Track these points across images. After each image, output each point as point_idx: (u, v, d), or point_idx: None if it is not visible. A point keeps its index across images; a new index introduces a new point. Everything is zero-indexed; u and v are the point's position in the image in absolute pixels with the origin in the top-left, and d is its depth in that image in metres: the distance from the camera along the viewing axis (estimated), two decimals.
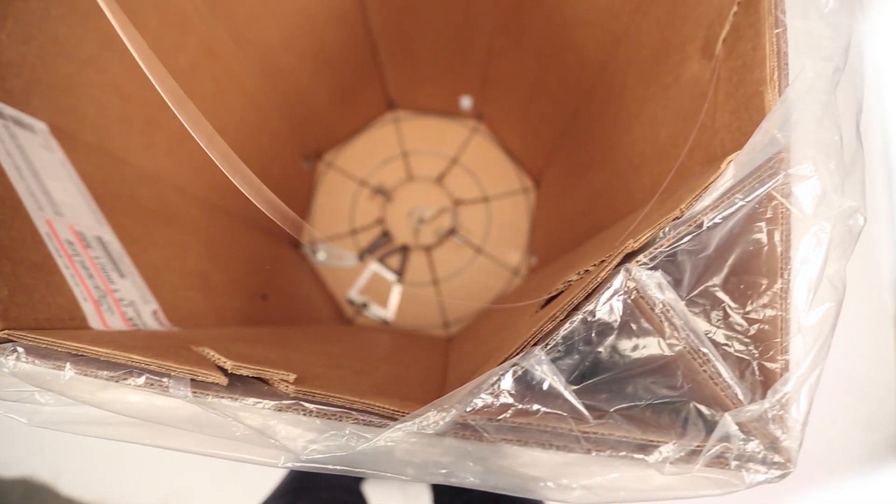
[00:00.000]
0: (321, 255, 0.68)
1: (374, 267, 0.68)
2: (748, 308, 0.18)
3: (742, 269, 0.18)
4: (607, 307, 0.17)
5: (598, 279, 0.17)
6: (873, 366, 0.29)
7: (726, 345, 0.18)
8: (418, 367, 0.27)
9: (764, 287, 0.18)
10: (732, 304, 0.18)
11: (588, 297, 0.17)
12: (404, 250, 0.68)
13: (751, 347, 0.18)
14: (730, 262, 0.18)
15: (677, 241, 0.18)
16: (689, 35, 0.27)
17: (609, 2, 0.37)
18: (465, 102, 0.68)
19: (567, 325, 0.17)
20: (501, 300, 0.64)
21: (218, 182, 0.49)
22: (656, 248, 0.18)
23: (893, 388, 0.29)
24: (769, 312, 0.18)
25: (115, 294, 0.26)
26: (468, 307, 0.67)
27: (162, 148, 0.40)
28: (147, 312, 0.27)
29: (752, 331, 0.18)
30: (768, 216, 0.18)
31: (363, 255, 0.68)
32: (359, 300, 0.66)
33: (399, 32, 0.57)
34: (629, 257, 0.18)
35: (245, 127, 0.51)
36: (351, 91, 0.64)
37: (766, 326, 0.18)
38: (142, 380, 0.18)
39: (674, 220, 0.18)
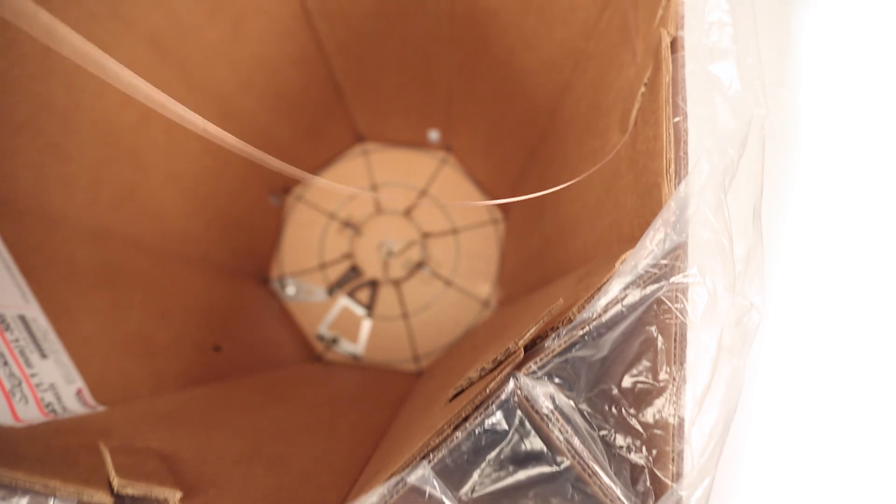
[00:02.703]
0: (290, 290, 0.68)
1: (343, 301, 0.67)
2: (643, 412, 0.18)
3: (638, 371, 0.18)
4: (496, 417, 0.17)
5: (487, 390, 0.17)
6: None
7: (622, 449, 0.18)
8: (349, 442, 0.26)
9: (656, 392, 0.18)
10: (629, 408, 0.18)
11: (477, 409, 0.17)
12: (373, 284, 0.67)
13: (645, 453, 0.18)
14: (626, 364, 0.18)
15: (568, 347, 0.17)
16: (612, 104, 0.27)
17: (552, 55, 0.37)
18: (434, 135, 0.68)
19: (455, 437, 0.17)
20: (471, 332, 0.64)
21: (175, 227, 0.48)
22: (546, 355, 0.17)
23: None
24: (662, 418, 0.17)
25: (33, 379, 0.25)
26: (439, 340, 0.67)
27: (107, 203, 0.40)
28: (69, 394, 0.27)
29: (647, 436, 0.18)
30: (659, 321, 0.18)
31: (332, 290, 0.67)
32: (329, 335, 0.66)
33: (361, 72, 0.57)
34: (522, 363, 0.18)
35: (202, 170, 0.50)
36: (316, 127, 0.64)
37: (660, 432, 0.17)
38: (24, 501, 0.17)
39: (566, 322, 0.18)
